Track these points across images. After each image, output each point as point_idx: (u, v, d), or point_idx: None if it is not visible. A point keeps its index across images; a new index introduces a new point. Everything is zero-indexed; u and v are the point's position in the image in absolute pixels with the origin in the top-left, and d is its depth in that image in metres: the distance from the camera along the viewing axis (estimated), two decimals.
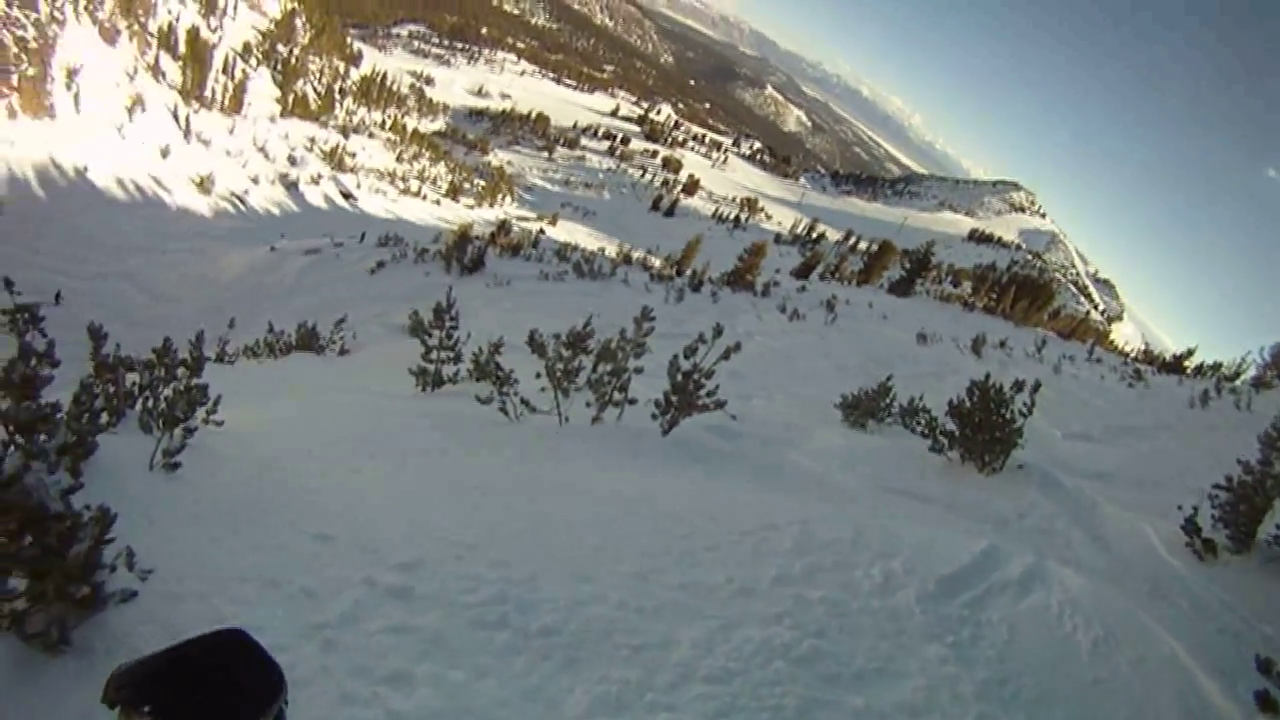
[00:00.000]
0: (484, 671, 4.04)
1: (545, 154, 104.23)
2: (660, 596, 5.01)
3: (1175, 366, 26.67)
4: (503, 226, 40.69)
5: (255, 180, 42.21)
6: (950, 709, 4.46)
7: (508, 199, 69.92)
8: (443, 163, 65.96)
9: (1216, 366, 24.95)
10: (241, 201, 39.30)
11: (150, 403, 6.20)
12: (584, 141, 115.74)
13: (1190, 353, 27.76)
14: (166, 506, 4.96)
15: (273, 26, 60.29)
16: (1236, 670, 5.22)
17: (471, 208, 61.08)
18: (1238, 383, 21.20)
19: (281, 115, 52.40)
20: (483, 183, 68.70)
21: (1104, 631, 5.43)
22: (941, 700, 4.51)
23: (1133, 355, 31.79)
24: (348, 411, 9.41)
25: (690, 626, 4.72)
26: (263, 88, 52.36)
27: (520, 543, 5.45)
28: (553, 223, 63.87)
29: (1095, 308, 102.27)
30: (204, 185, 37.24)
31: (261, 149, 45.97)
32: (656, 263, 39.49)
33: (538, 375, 9.43)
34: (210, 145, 41.31)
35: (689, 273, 33.00)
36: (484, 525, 5.67)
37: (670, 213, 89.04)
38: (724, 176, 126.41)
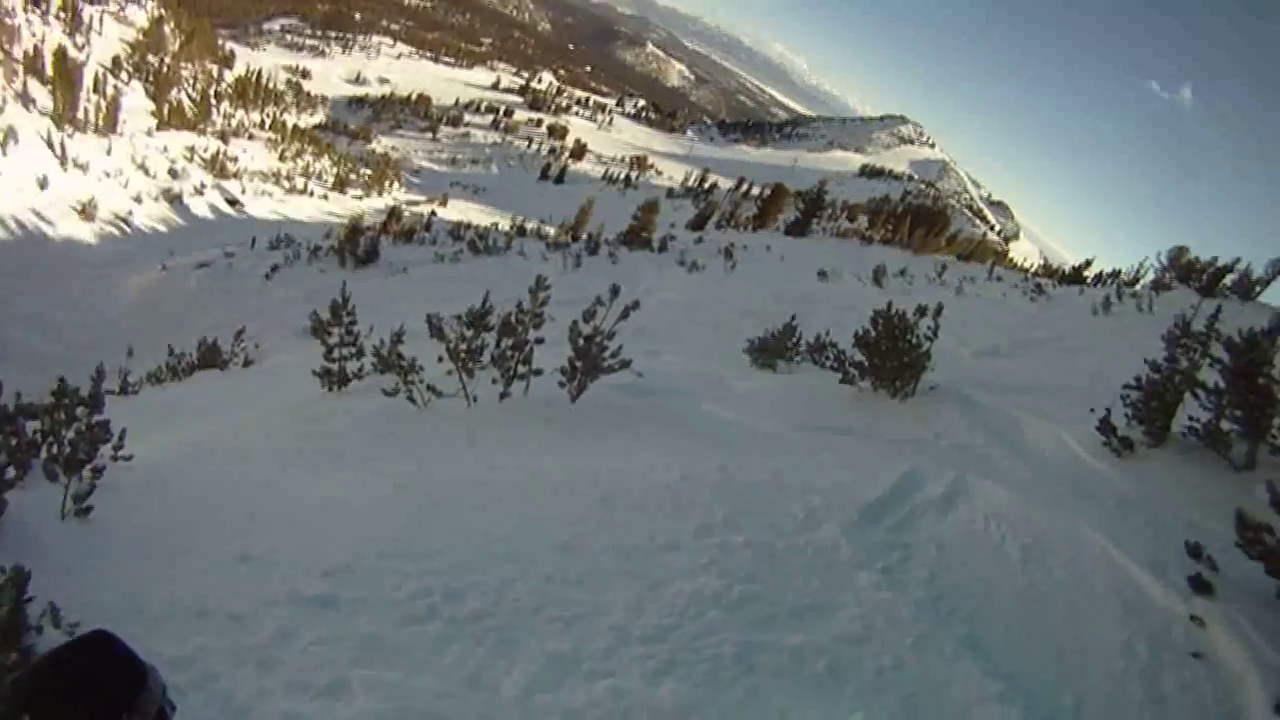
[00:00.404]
0: (420, 667, 3.92)
1: (429, 135, 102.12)
2: (587, 564, 4.92)
3: (1075, 278, 27.56)
4: (393, 214, 40.24)
5: (138, 199, 40.55)
6: (889, 634, 4.45)
7: (396, 185, 68.45)
8: (326, 156, 64.42)
9: (1115, 274, 25.81)
10: (126, 223, 37.81)
11: (54, 448, 5.82)
12: (467, 118, 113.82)
13: (1088, 263, 28.78)
14: (84, 553, 4.78)
15: (141, 37, 58.20)
16: (1168, 560, 5.33)
17: (360, 198, 59.89)
18: (1138, 288, 21.96)
19: (158, 128, 50.38)
20: (369, 172, 67.15)
21: (1032, 539, 5.54)
22: (879, 626, 4.51)
23: (1032, 271, 32.87)
24: (256, 425, 9.09)
25: (620, 590, 4.64)
26: (136, 102, 50.31)
27: (441, 532, 5.31)
28: (443, 204, 62.96)
29: (991, 229, 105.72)
30: (86, 212, 35.69)
31: (141, 166, 44.19)
32: (551, 231, 39.38)
33: (440, 359, 9.23)
34: (88, 169, 39.43)
35: (584, 237, 32.89)
36: (403, 519, 5.51)
37: (560, 180, 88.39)
38: (610, 138, 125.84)
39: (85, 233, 34.43)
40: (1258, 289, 18.73)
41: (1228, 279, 19.55)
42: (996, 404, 9.88)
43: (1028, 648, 4.56)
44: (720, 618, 4.38)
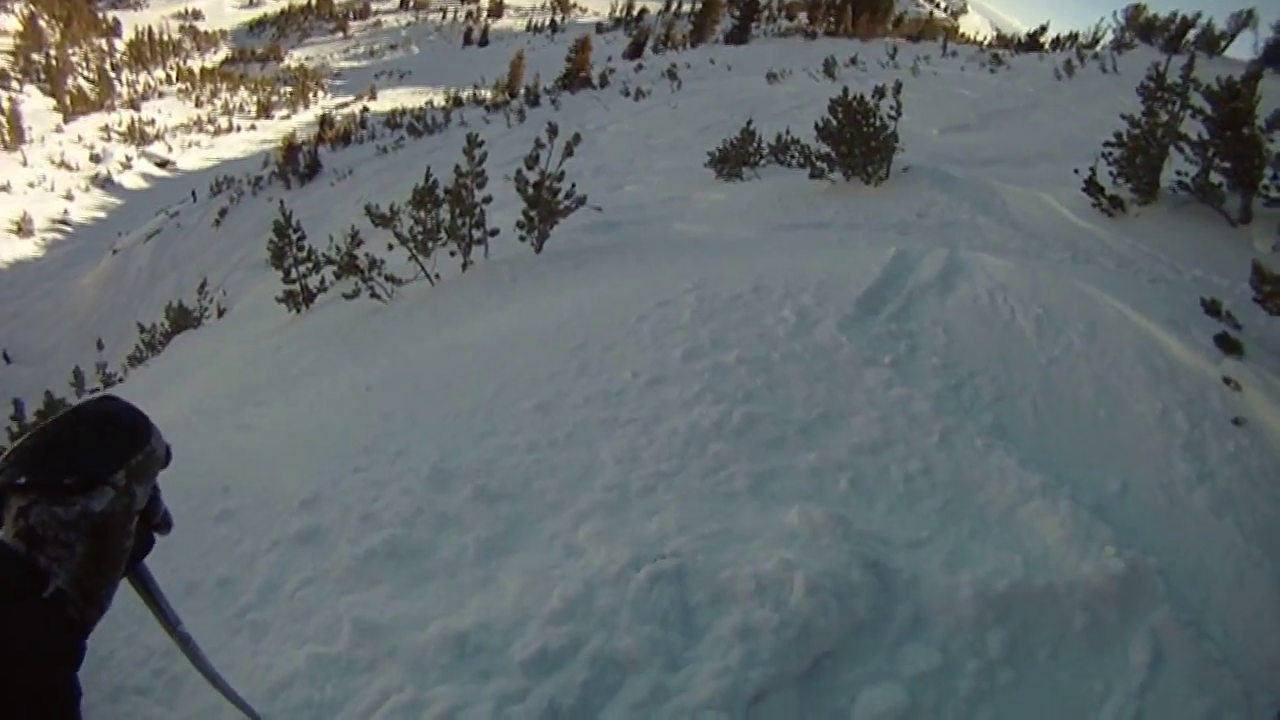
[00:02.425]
0: (419, 577, 3.37)
1: (340, 35, 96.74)
2: (569, 420, 4.34)
3: (1032, 45, 26.56)
4: (325, 122, 39.49)
5: (69, 196, 40.23)
6: (911, 435, 3.95)
7: (320, 94, 66.39)
8: (242, 88, 62.76)
9: (1073, 37, 24.96)
10: (66, 223, 37.66)
11: None
12: (374, 6, 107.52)
13: (1043, 29, 27.67)
14: None
15: (19, 40, 55.93)
16: (1186, 318, 4.83)
17: (288, 118, 58.66)
18: (1098, 49, 21.10)
19: (66, 120, 49.50)
20: (289, 89, 65.06)
21: (1043, 309, 5.01)
22: (899, 428, 4.00)
23: (987, 43, 31.51)
24: (233, 368, 8.48)
25: (608, 440, 4.08)
26: (37, 104, 49.52)
27: (417, 425, 4.69)
28: (373, 97, 60.78)
29: (938, 6, 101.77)
30: (23, 229, 35.43)
31: (62, 163, 43.56)
32: (488, 94, 37.82)
33: (390, 247, 8.75)
34: (10, 188, 39.15)
35: (521, 91, 31.51)
36: (377, 422, 4.87)
37: (484, 42, 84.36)
38: None
39: (28, 248, 34.28)
40: (1222, 44, 17.90)
41: (1190, 34, 18.71)
42: (974, 176, 9.36)
43: (1060, 430, 4.10)
44: (725, 449, 3.85)
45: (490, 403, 4.67)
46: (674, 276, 5.99)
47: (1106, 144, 7.93)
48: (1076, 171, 7.85)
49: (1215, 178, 7.08)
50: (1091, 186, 7.69)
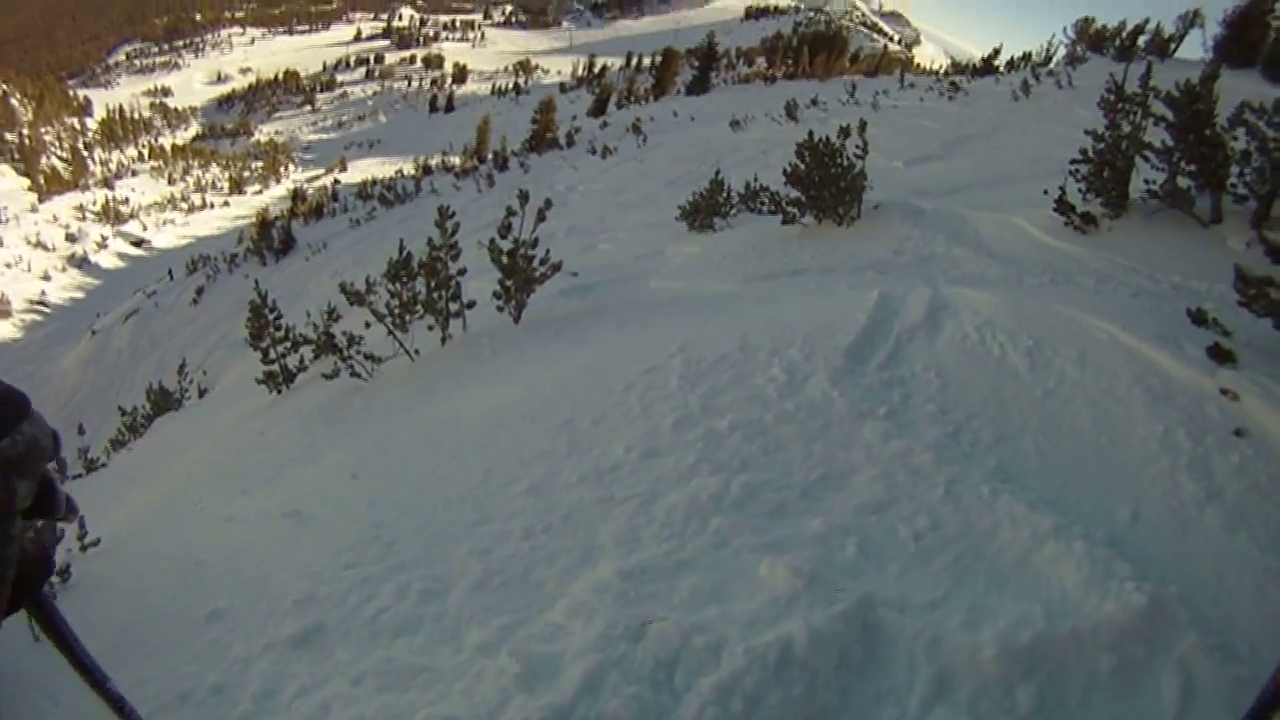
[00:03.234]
0: (408, 682, 3.17)
1: (308, 108, 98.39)
2: (563, 503, 4.16)
3: (987, 69, 26.80)
4: (296, 196, 39.73)
5: (46, 277, 40.51)
6: (916, 490, 3.79)
7: (291, 167, 66.64)
8: (214, 164, 63.57)
9: (1026, 57, 25.25)
10: (44, 304, 37.76)
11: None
12: (340, 78, 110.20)
13: (996, 53, 27.95)
14: (66, 671, 3.86)
15: None
16: (1176, 331, 4.74)
17: (260, 192, 59.17)
18: (1052, 66, 21.35)
19: (40, 200, 49.79)
20: (260, 164, 65.45)
21: (1033, 340, 4.91)
22: (902, 483, 3.85)
23: (943, 71, 31.92)
24: (215, 453, 8.26)
25: (606, 521, 3.90)
26: (10, 184, 49.72)
27: (408, 516, 4.48)
28: (343, 169, 61.18)
29: (891, 40, 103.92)
30: (1, 310, 34.95)
31: (38, 243, 43.79)
32: (456, 160, 38.11)
33: (367, 325, 8.48)
34: None
35: (489, 156, 31.70)
36: (364, 512, 4.68)
37: (450, 108, 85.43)
38: (488, 53, 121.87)
39: (8, 330, 34.11)
40: (1173, 46, 18.15)
41: (1140, 40, 18.98)
42: (944, 207, 9.33)
43: (1064, 464, 3.96)
44: (726, 523, 3.66)
45: (480, 488, 4.48)
46: (657, 339, 5.88)
47: (1073, 161, 7.89)
48: (1046, 192, 7.82)
49: (1183, 182, 7.04)
50: (1062, 205, 7.64)
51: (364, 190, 34.84)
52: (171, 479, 7.79)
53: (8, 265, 39.76)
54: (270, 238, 27.64)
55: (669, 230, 12.76)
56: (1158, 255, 6.65)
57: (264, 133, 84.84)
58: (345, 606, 3.71)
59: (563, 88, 72.75)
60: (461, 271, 8.26)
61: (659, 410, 4.76)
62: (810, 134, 9.90)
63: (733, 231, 11.34)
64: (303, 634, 3.59)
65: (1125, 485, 3.75)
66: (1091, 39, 20.51)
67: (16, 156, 51.95)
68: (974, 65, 29.11)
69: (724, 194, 12.45)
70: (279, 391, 9.81)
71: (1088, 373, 4.52)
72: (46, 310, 36.58)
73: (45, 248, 43.19)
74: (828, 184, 9.54)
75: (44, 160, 53.94)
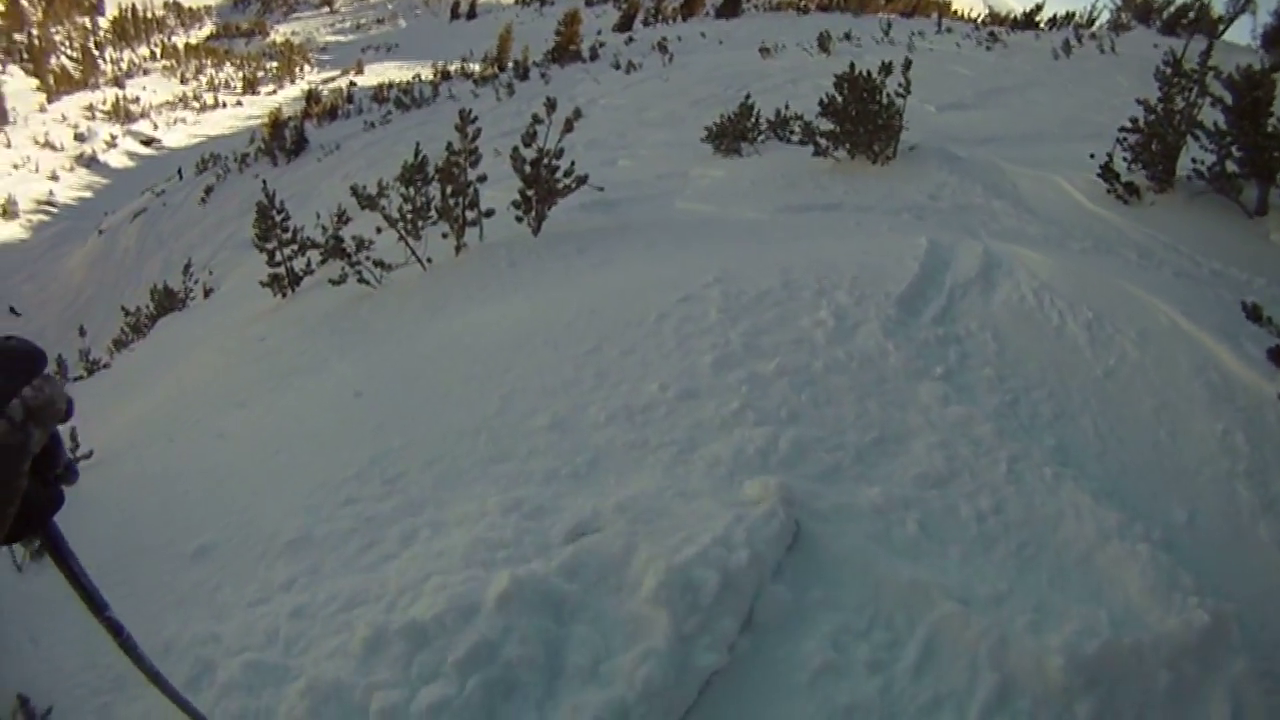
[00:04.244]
0: None
1: (325, 9, 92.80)
2: (590, 444, 3.62)
3: (1028, 24, 25.49)
4: (311, 97, 37.34)
5: (54, 177, 37.67)
6: (978, 465, 3.32)
7: (306, 69, 63.06)
8: (227, 64, 59.16)
9: (1070, 17, 23.98)
10: (51, 204, 35.11)
11: None
12: None
13: (1039, 8, 26.56)
14: (47, 610, 3.45)
15: (0, 21, 52.49)
16: (1235, 326, 4.19)
17: (274, 93, 55.48)
18: (1095, 29, 20.22)
19: (50, 100, 46.27)
20: (275, 65, 61.68)
21: (1093, 313, 4.37)
22: (963, 456, 3.37)
23: (981, 20, 30.40)
24: (216, 359, 7.66)
25: (639, 472, 3.37)
26: (19, 84, 46.18)
27: (416, 446, 3.91)
28: (359, 72, 57.89)
29: None
30: (8, 212, 33.02)
31: (46, 143, 40.72)
32: (476, 68, 36.50)
33: (378, 230, 7.91)
34: None
35: (510, 65, 30.25)
36: (368, 439, 4.10)
37: (472, 14, 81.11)
38: None
39: (14, 230, 32.37)
40: (1221, 27, 17.08)
41: (1189, 17, 17.90)
42: (980, 157, 8.65)
43: (1123, 452, 3.50)
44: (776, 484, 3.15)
45: (496, 418, 3.93)
46: (691, 266, 5.29)
47: (1122, 128, 7.30)
48: (1092, 156, 7.21)
49: (1231, 168, 6.52)
50: (1107, 172, 7.09)
51: (380, 93, 32.96)
52: (170, 385, 7.24)
53: (15, 166, 37.47)
54: (282, 138, 26.08)
55: (693, 151, 11.98)
56: (1199, 238, 6.19)
57: (280, 33, 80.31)
58: (344, 552, 3.21)
59: (589, 1, 69.84)
60: (481, 178, 7.57)
61: (697, 345, 4.20)
62: (851, 65, 9.20)
63: (760, 158, 10.60)
64: (291, 581, 3.12)
65: (1182, 484, 3.33)
66: (1138, 8, 19.37)
67: (25, 56, 48.95)
68: (1015, 18, 27.74)
69: (753, 119, 11.69)
70: (284, 295, 9.16)
71: (1148, 356, 4.02)
72: (54, 210, 34.68)
73: (53, 147, 40.68)
74: (865, 120, 8.87)
75: (54, 60, 50.88)
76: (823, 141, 9.22)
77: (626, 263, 6.04)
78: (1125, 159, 7.24)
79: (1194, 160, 6.68)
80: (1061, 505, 3.10)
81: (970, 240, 5.59)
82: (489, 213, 7.63)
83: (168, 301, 14.13)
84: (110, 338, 14.79)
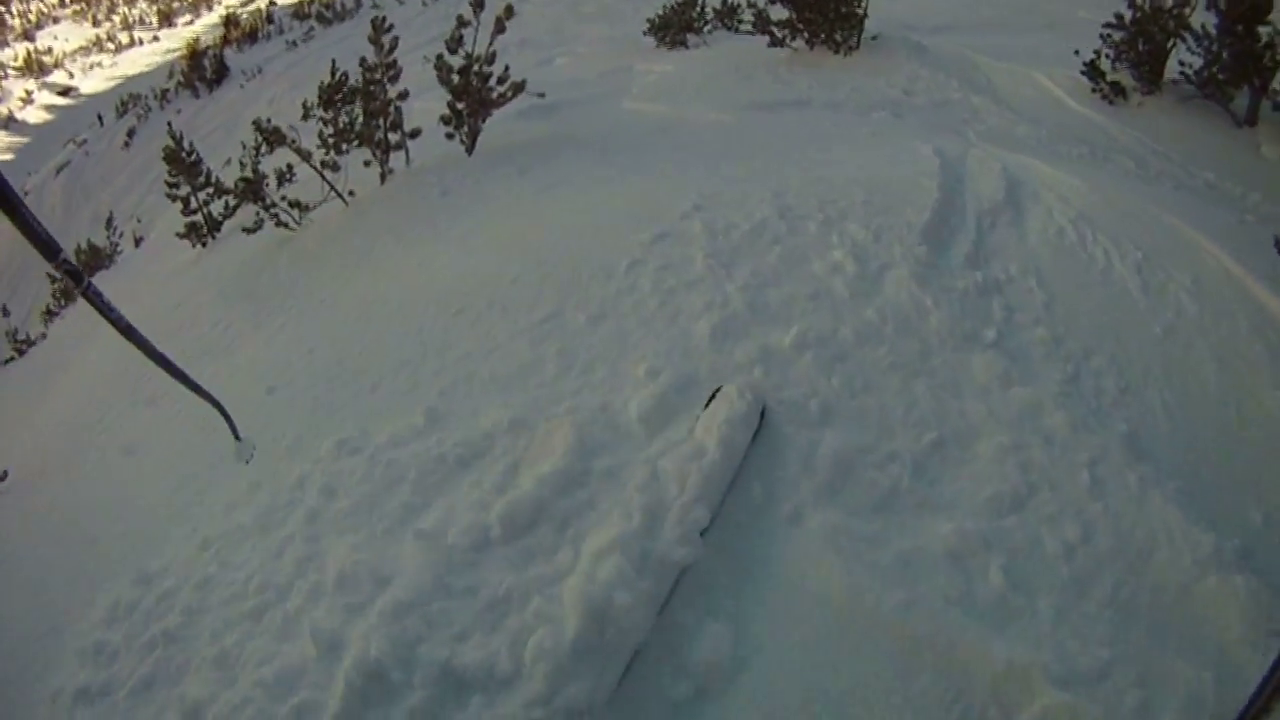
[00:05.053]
0: None
1: None
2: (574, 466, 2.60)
3: None
4: (230, 22, 33.74)
5: None
6: (1055, 471, 2.49)
7: None
8: None
9: None
10: None
11: None
12: None
13: None
14: None
15: None
16: (1273, 264, 3.43)
17: (190, 23, 50.78)
18: None
19: None
20: None
21: (1141, 252, 3.54)
22: (1038, 459, 2.53)
23: None
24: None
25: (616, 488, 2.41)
26: None
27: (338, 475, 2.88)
28: None
29: None
30: None
31: None
32: None
33: (288, 166, 6.53)
34: None
35: None
36: (283, 455, 3.11)
37: None
38: None
39: None
40: None
41: None
42: (949, 49, 7.72)
43: (1194, 437, 2.77)
44: (821, 522, 2.25)
45: (431, 429, 2.87)
46: (659, 188, 4.23)
47: (1106, 24, 6.52)
48: (1077, 53, 6.45)
49: (1219, 75, 5.90)
50: (1094, 70, 6.40)
51: (300, 9, 30.42)
52: (88, 371, 6.04)
53: None
54: (202, 68, 23.98)
55: (636, 46, 10.68)
56: (1188, 145, 5.64)
57: None
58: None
59: None
60: (402, 95, 6.32)
61: (686, 305, 3.15)
62: None
63: (710, 50, 9.43)
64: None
65: (1253, 476, 2.63)
66: None
67: None
68: None
69: (698, 7, 10.38)
70: (203, 245, 8.01)
71: (1205, 310, 3.24)
72: None
73: None
74: (823, 6, 7.80)
75: None
76: (778, 31, 8.20)
77: (580, 185, 4.85)
78: (1109, 56, 6.55)
79: (1181, 64, 6.08)
80: (1152, 525, 2.36)
81: (978, 150, 4.68)
82: (415, 133, 6.37)
83: (94, 260, 12.83)
84: (37, 310, 13.41)
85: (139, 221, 15.12)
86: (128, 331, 1.23)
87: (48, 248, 1.02)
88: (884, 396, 2.67)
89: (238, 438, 2.50)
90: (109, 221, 14.55)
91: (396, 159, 6.40)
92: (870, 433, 2.53)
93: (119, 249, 13.30)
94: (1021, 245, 3.57)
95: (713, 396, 2.58)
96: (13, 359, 9.89)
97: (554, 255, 3.71)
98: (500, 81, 6.20)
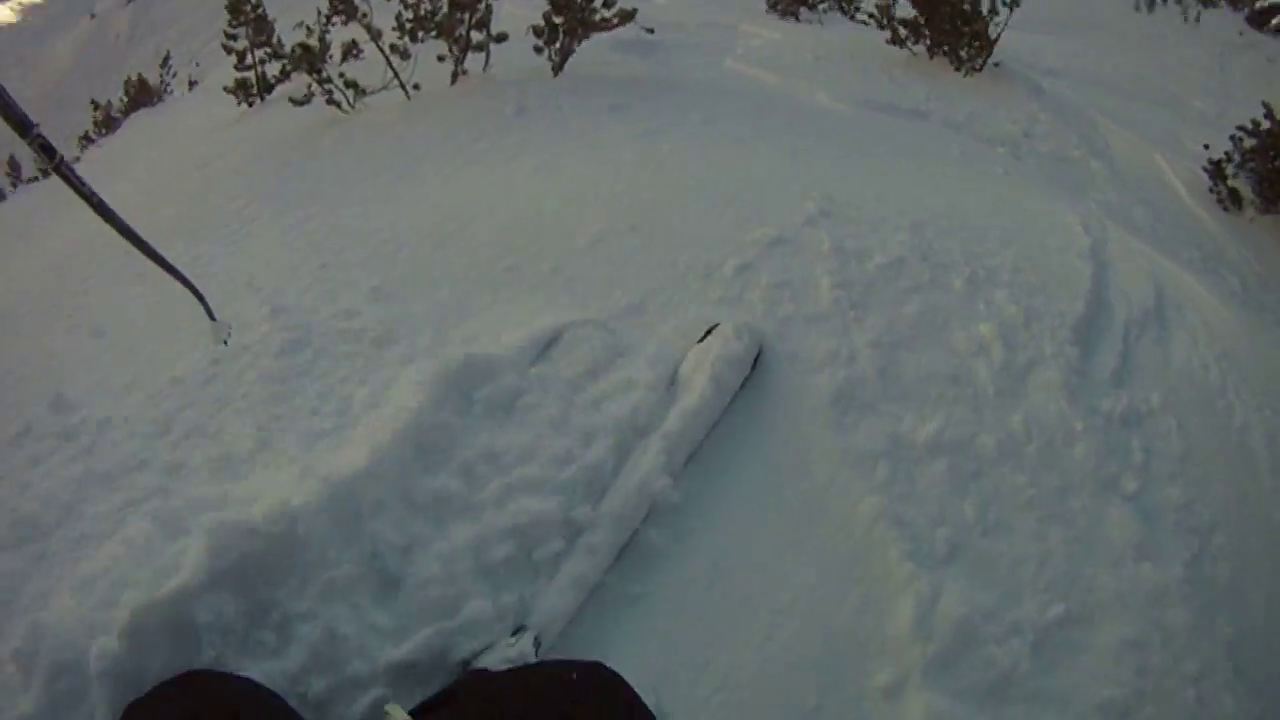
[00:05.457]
0: None
1: None
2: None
3: None
4: None
5: None
6: (1165, 680, 2.02)
7: None
8: None
9: None
10: None
11: None
12: None
13: None
14: None
15: None
16: None
17: None
18: None
19: None
20: None
21: (1272, 411, 2.99)
22: (1154, 663, 2.05)
23: None
24: (142, 185, 5.78)
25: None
26: None
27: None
28: None
29: None
30: None
31: None
32: None
33: (353, 44, 6.13)
34: None
35: None
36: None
37: None
38: None
39: (3, 14, 28.86)
40: None
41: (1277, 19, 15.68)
42: (1066, 97, 7.24)
43: None
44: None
45: None
46: (774, 175, 3.59)
47: (1240, 128, 5.95)
48: (1207, 147, 5.96)
49: None
50: (1218, 171, 5.86)
51: None
52: (91, 216, 5.15)
53: None
54: None
55: (744, 3, 9.81)
56: None
57: None
58: None
59: None
60: None
61: (803, 349, 2.55)
62: None
63: (822, 29, 8.71)
64: None
65: None
66: None
67: None
68: None
69: None
70: (249, 104, 7.45)
71: None
72: None
73: None
74: (955, 19, 7.22)
75: None
76: (902, 30, 7.53)
77: (680, 143, 4.16)
78: (1231, 159, 5.96)
79: None
80: None
81: (1116, 235, 4.07)
82: (501, 36, 5.58)
83: (142, 95, 12.31)
84: (77, 133, 12.75)
85: (197, 65, 14.52)
86: (102, 209, 1.23)
87: (21, 125, 0.99)
88: (1016, 542, 2.15)
89: (213, 318, 2.14)
90: (165, 59, 14.00)
91: (474, 61, 5.62)
92: (996, 586, 2.02)
93: (170, 89, 12.87)
94: (1165, 372, 3.03)
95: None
96: (36, 178, 10.15)
97: (643, 225, 3.06)
98: (607, 5, 5.45)
